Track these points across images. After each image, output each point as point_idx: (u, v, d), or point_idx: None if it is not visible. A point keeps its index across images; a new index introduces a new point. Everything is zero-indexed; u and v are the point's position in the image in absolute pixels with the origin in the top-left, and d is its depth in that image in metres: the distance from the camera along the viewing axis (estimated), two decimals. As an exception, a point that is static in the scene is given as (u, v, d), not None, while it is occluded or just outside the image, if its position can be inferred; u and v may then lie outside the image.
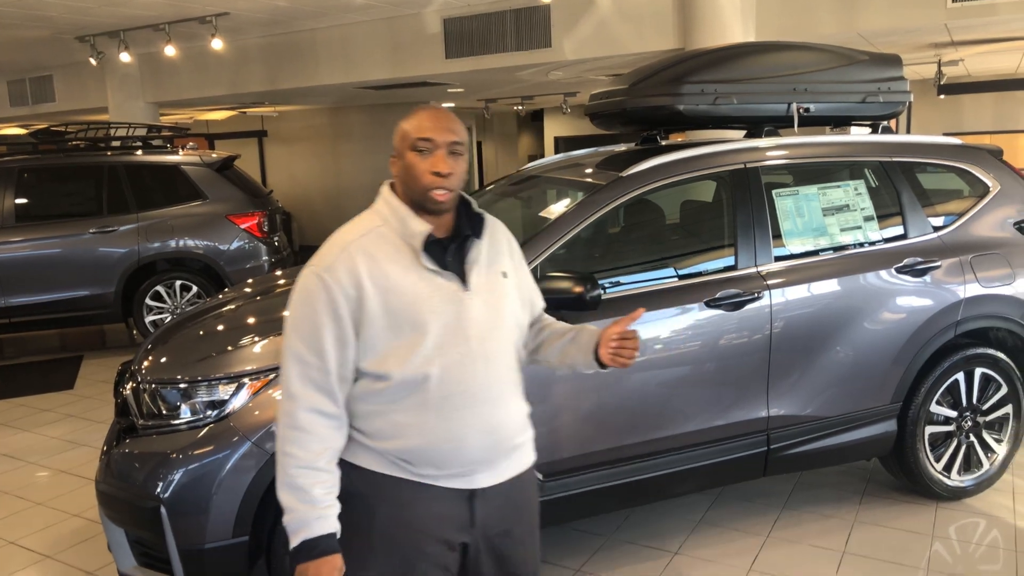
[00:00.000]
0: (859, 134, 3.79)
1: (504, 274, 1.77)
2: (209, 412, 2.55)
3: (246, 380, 2.56)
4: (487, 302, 1.70)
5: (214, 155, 7.25)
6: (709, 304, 3.00)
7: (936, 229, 3.43)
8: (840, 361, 3.21)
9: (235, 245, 6.96)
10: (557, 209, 3.12)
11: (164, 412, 2.60)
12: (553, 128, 18.35)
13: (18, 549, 3.46)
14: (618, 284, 3.01)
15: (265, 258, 7.07)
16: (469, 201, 1.77)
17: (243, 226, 6.99)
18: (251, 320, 3.17)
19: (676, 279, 3.10)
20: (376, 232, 1.66)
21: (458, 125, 1.66)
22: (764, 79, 3.41)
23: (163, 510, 2.44)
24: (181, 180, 6.89)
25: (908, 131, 12.25)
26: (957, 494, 3.52)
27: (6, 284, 6.43)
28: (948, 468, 3.48)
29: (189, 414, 2.58)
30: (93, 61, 8.41)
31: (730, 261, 3.14)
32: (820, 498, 3.64)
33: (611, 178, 3.09)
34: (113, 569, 2.95)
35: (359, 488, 1.66)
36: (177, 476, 2.45)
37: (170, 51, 7.94)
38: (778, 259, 3.17)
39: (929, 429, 3.41)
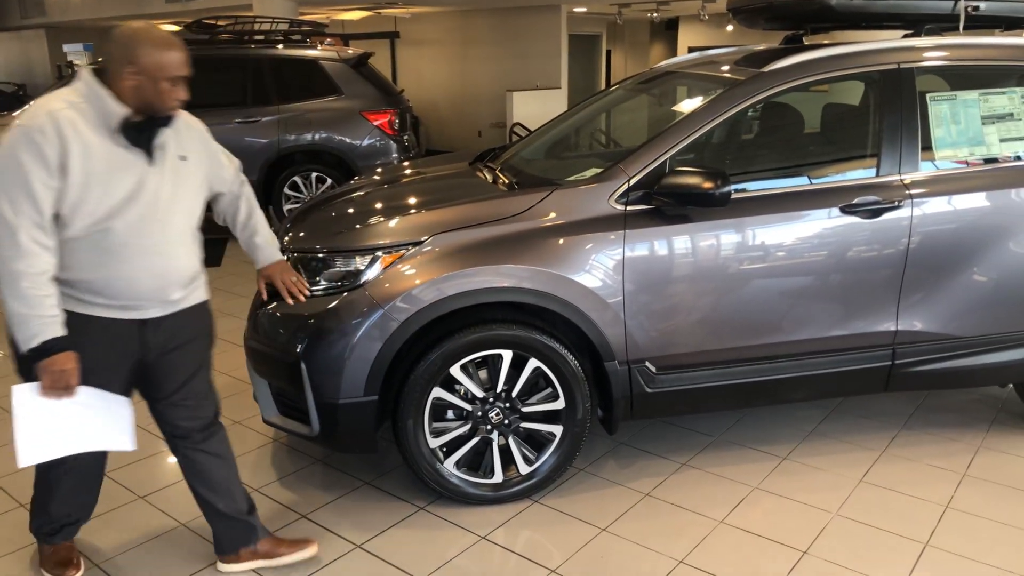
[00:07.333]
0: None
1: (183, 158, 2.20)
2: (345, 281, 2.73)
3: (380, 253, 2.71)
4: (167, 177, 2.15)
5: (350, 52, 7.43)
6: (845, 210, 2.89)
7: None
8: (983, 281, 3.04)
9: (367, 141, 7.19)
10: (690, 105, 3.05)
11: (305, 279, 2.80)
12: (688, 37, 17.50)
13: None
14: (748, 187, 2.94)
15: (395, 155, 7.27)
16: None
17: (375, 123, 7.19)
18: (381, 203, 3.32)
19: (811, 185, 3.00)
20: (77, 106, 2.03)
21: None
22: (929, -28, 3.15)
23: (303, 366, 2.67)
24: (319, 75, 7.12)
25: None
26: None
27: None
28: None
29: (327, 282, 2.77)
30: (240, -44, 8.70)
31: (872, 169, 2.99)
32: (943, 422, 3.52)
33: (751, 74, 2.98)
34: (258, 419, 3.29)
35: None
36: (316, 336, 2.66)
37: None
38: (925, 168, 3.00)
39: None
